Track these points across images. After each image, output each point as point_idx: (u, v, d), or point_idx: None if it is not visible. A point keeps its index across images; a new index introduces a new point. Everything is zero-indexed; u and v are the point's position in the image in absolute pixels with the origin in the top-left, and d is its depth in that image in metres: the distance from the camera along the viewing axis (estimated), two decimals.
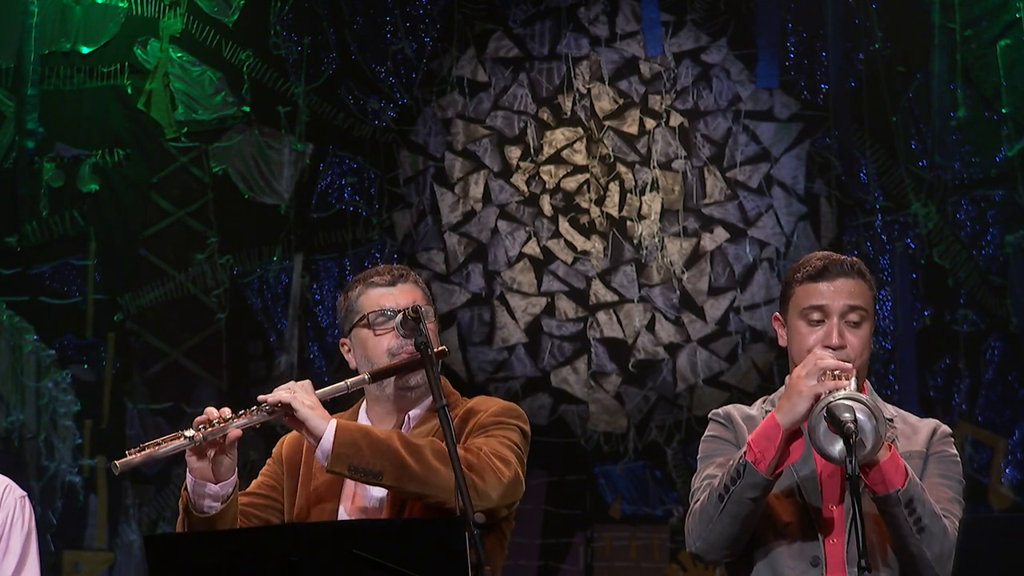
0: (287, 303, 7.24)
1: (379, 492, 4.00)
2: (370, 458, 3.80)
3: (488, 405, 4.09)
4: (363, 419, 4.13)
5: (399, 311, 4.00)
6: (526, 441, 4.08)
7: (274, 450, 4.24)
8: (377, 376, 4.00)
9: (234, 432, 3.86)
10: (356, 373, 4.10)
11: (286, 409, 3.86)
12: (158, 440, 3.85)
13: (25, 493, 4.31)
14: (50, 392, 7.18)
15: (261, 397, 3.91)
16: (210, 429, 3.84)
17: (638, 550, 7.03)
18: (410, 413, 4.09)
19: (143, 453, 3.81)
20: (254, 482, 4.20)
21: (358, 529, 3.59)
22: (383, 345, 4.04)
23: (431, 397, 4.03)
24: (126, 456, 3.83)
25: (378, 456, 3.80)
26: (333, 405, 4.06)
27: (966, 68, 7.02)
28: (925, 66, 7.05)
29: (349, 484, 4.03)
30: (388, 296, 4.07)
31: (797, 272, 3.90)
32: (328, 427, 3.82)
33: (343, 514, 4.03)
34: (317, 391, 3.94)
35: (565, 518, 7.05)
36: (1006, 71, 7.00)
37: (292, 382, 3.94)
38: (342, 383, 3.97)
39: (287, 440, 4.19)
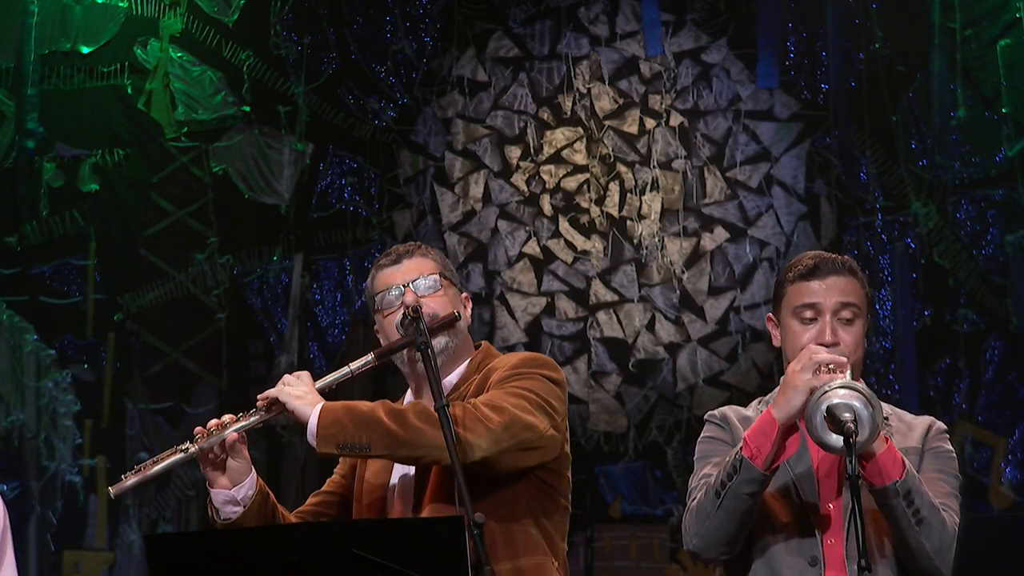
0: (287, 303, 7.24)
1: (408, 472, 4.00)
2: (355, 433, 3.80)
3: (508, 360, 4.02)
4: (409, 398, 4.12)
5: (404, 286, 4.01)
6: (554, 386, 3.95)
7: None
8: (381, 356, 4.00)
9: (231, 436, 3.87)
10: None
11: (278, 404, 3.87)
12: (154, 458, 3.87)
13: None
14: (50, 392, 7.18)
15: (259, 397, 3.93)
16: (205, 439, 3.85)
17: (638, 550, 7.04)
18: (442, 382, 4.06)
19: (137, 475, 3.83)
20: (328, 480, 4.22)
21: (359, 529, 3.59)
22: (393, 322, 4.03)
23: (464, 363, 4.04)
24: (121, 479, 3.85)
25: (362, 429, 3.80)
26: (378, 382, 4.04)
27: (966, 68, 7.02)
28: (925, 66, 7.05)
29: (395, 471, 4.03)
30: (394, 274, 4.06)
31: (789, 272, 3.91)
32: (313, 411, 3.83)
33: (390, 501, 4.03)
34: (323, 378, 3.94)
35: None
36: (1006, 71, 7.00)
37: (287, 375, 3.94)
38: (346, 367, 3.98)
39: None
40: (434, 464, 3.84)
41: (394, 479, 4.05)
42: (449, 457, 3.69)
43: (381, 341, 4.12)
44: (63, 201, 7.25)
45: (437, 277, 4.05)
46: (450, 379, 4.05)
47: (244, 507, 3.91)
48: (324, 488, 4.21)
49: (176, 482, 7.03)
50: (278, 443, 7.05)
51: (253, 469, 3.95)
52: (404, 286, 4.01)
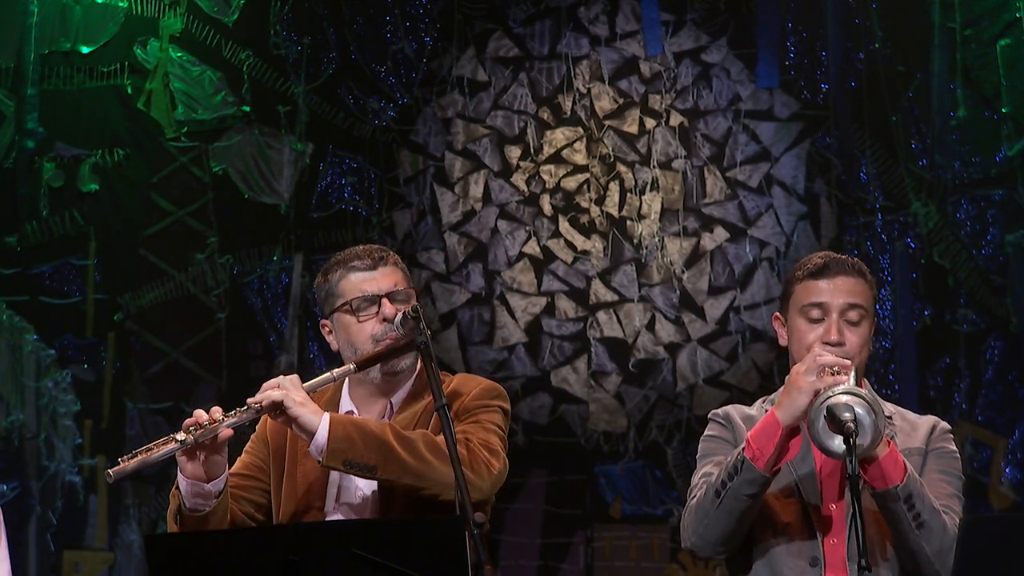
0: (287, 303, 7.24)
1: (363, 484, 4.02)
2: (364, 452, 3.81)
3: (470, 387, 4.08)
4: (345, 401, 4.14)
5: (381, 295, 4.03)
6: (507, 419, 4.09)
7: (258, 427, 4.23)
8: (363, 365, 4.00)
9: (225, 432, 3.87)
10: (337, 354, 4.13)
11: (278, 407, 3.87)
12: (150, 445, 3.86)
13: None
14: (50, 392, 7.18)
15: (251, 400, 3.91)
16: (200, 431, 3.84)
17: (638, 550, 7.03)
18: (392, 399, 4.10)
19: (136, 460, 3.82)
20: (239, 460, 4.19)
21: (358, 529, 3.59)
22: (367, 331, 4.04)
23: (412, 381, 4.06)
24: (119, 463, 3.84)
25: (372, 450, 3.82)
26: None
27: (966, 68, 7.02)
28: (925, 66, 7.05)
29: (334, 476, 4.04)
30: (370, 281, 4.07)
31: (798, 271, 3.92)
32: (321, 422, 3.83)
33: (330, 503, 4.04)
34: (307, 383, 3.95)
35: (565, 518, 7.05)
36: (1006, 71, 7.00)
37: (280, 377, 3.94)
38: (328, 374, 3.98)
39: (271, 421, 4.17)
40: (431, 497, 3.86)
41: (333, 488, 4.04)
42: (449, 494, 3.74)
43: (332, 339, 4.13)
44: (63, 201, 7.25)
45: (411, 291, 4.09)
46: (399, 396, 4.08)
47: (216, 500, 3.91)
48: (238, 468, 4.16)
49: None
50: None
51: (227, 465, 3.96)
52: (380, 296, 4.03)
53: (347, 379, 4.14)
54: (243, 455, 4.20)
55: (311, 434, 3.84)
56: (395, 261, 4.12)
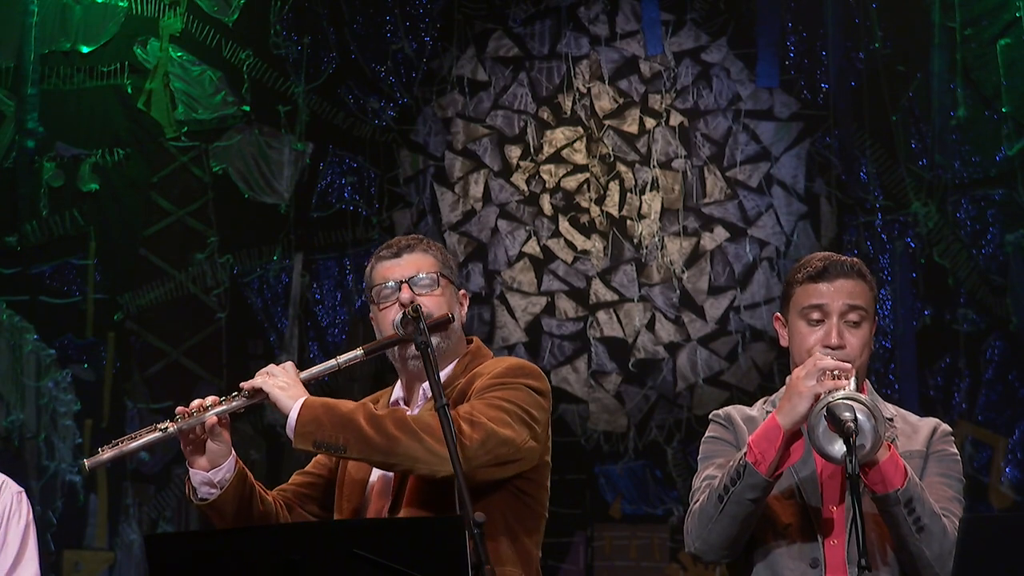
0: (287, 303, 7.24)
1: (387, 478, 4.02)
2: (332, 432, 3.82)
3: (491, 368, 4.04)
4: (397, 391, 4.15)
5: (401, 282, 4.03)
6: (536, 396, 3.99)
7: None
8: (370, 352, 4.01)
9: (211, 419, 3.90)
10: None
11: (261, 393, 3.89)
12: (132, 435, 3.90)
13: (22, 489, 4.34)
14: (50, 392, 7.18)
15: (242, 384, 3.95)
16: (185, 420, 3.87)
17: (638, 549, 7.03)
18: (424, 385, 4.07)
19: (114, 449, 3.86)
20: (314, 460, 4.23)
21: (358, 529, 3.59)
22: (388, 318, 4.05)
23: (453, 363, 4.06)
24: (98, 452, 3.87)
25: (340, 430, 3.82)
26: (377, 382, 4.09)
27: (966, 68, 7.02)
28: (925, 66, 7.05)
29: (375, 472, 4.04)
30: (393, 268, 4.08)
31: (798, 272, 3.91)
32: (294, 405, 3.84)
33: (366, 498, 4.06)
34: (309, 370, 3.97)
35: (565, 518, 7.05)
36: (1006, 70, 7.00)
37: (272, 365, 3.97)
38: (333, 360, 4.00)
39: None
40: (407, 473, 3.87)
41: (373, 476, 4.07)
42: (421, 468, 3.77)
43: (375, 330, 4.14)
44: (63, 201, 7.25)
45: (435, 275, 4.07)
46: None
47: (220, 490, 3.94)
48: (309, 468, 4.23)
49: (176, 481, 7.03)
50: (278, 443, 7.05)
51: (233, 452, 3.99)
52: (401, 282, 4.03)
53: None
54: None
55: (287, 417, 3.87)
56: (425, 247, 4.11)
